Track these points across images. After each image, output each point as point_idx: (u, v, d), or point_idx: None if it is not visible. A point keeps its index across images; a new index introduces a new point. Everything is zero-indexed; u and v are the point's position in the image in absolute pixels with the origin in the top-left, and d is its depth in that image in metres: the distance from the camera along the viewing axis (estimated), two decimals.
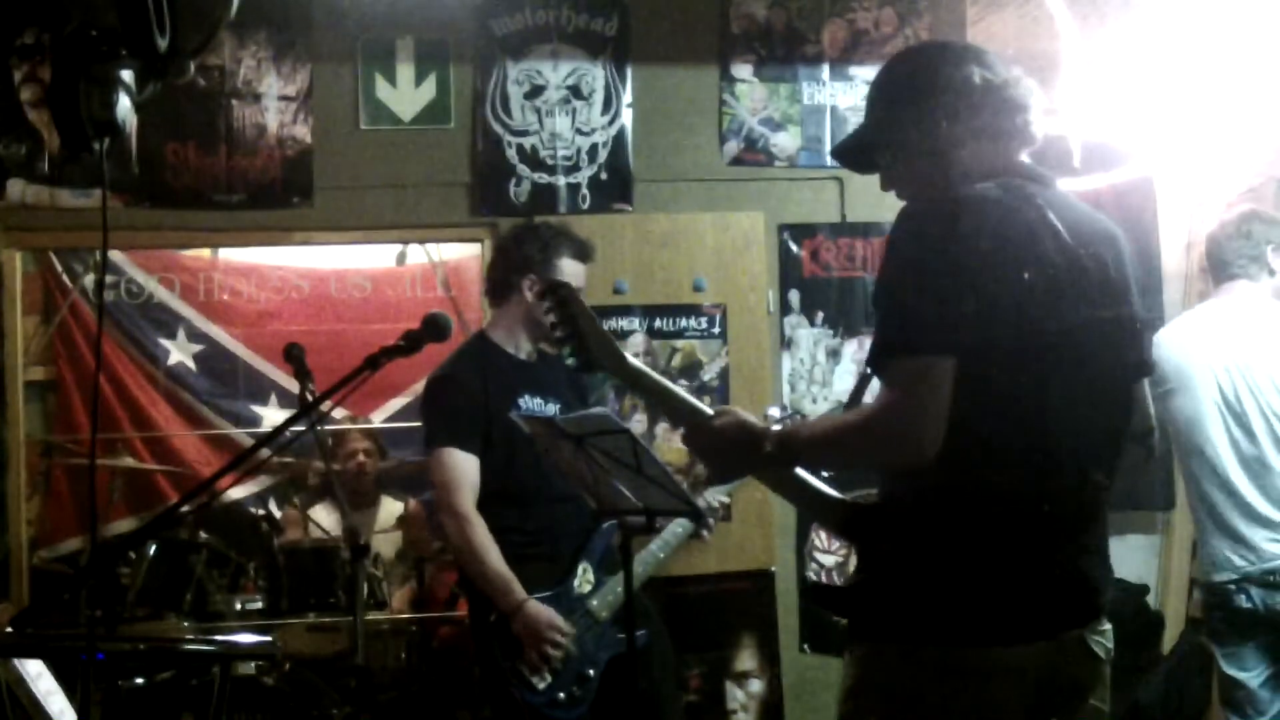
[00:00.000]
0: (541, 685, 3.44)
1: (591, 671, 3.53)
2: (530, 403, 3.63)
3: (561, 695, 3.46)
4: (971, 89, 2.17)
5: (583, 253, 3.75)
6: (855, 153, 2.36)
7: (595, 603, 3.58)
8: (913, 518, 2.07)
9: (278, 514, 5.24)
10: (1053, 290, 2.01)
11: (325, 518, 5.06)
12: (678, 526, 3.63)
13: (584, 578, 3.60)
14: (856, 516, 2.21)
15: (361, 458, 5.24)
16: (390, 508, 5.28)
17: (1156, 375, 3.96)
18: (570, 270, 3.68)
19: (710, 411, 2.27)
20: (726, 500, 3.80)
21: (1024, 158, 2.20)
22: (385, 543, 5.11)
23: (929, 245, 2.01)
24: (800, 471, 2.27)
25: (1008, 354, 1.97)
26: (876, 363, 2.03)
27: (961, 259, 1.97)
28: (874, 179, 2.36)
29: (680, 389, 2.34)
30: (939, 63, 2.23)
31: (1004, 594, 2.02)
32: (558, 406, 3.65)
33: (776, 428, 2.16)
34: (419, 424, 3.81)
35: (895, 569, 2.08)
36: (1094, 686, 2.13)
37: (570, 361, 2.42)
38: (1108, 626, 2.15)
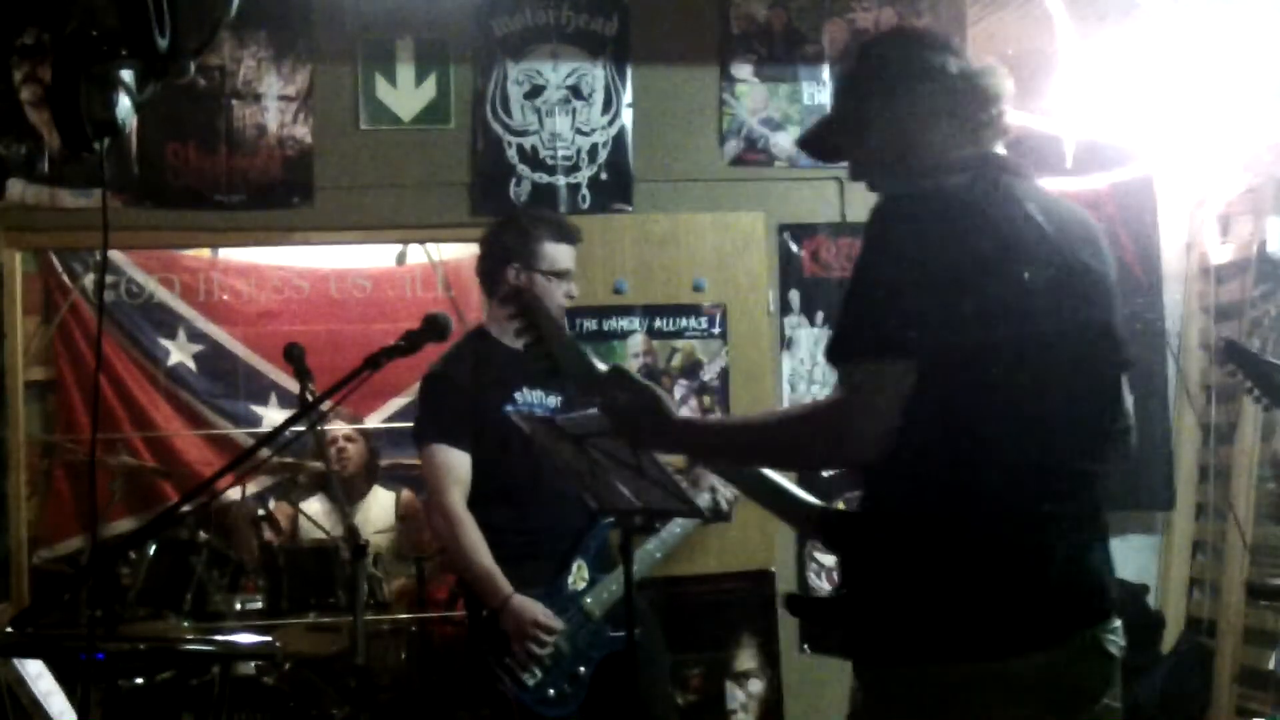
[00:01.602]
0: (531, 682, 3.43)
1: (582, 670, 3.51)
2: (529, 395, 3.61)
3: (551, 693, 3.45)
4: (946, 77, 2.12)
5: (565, 234, 3.71)
6: (823, 140, 2.30)
7: (589, 600, 3.57)
8: (902, 527, 1.99)
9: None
10: (1027, 286, 1.96)
11: (317, 510, 5.07)
12: (675, 526, 3.62)
13: (578, 575, 3.59)
14: (836, 524, 2.17)
15: (342, 442, 5.23)
16: (383, 499, 5.28)
17: None
18: (553, 253, 3.66)
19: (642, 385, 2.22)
20: (737, 493, 3.76)
21: (999, 148, 2.15)
22: (384, 542, 5.11)
23: (896, 243, 1.99)
24: (769, 472, 2.26)
25: (984, 353, 1.94)
26: (832, 358, 2.01)
27: (929, 258, 1.94)
28: None
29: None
30: (913, 49, 2.17)
31: (1009, 601, 1.95)
32: (559, 398, 3.63)
33: (686, 413, 2.12)
34: None
35: (888, 583, 2.00)
36: (1107, 687, 2.05)
37: (539, 366, 2.37)
38: (1118, 624, 2.08)
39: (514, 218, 3.83)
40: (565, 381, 2.33)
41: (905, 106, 2.13)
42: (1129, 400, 2.21)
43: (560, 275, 3.67)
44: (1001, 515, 1.97)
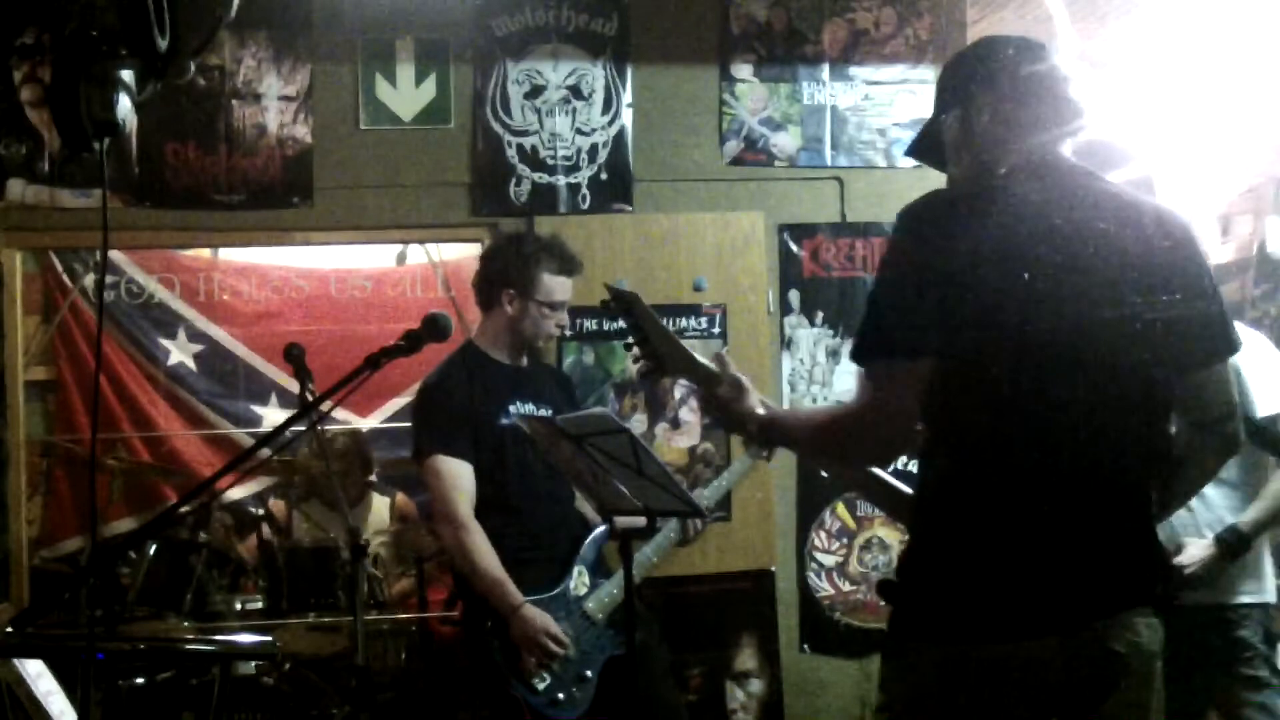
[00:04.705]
0: (541, 686, 3.46)
1: (589, 673, 3.55)
2: (521, 408, 3.64)
3: (561, 696, 3.49)
4: (993, 83, 2.19)
5: (567, 267, 3.70)
6: (919, 146, 2.40)
7: (591, 604, 3.60)
8: (926, 514, 2.15)
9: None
10: (1035, 289, 2.01)
11: (316, 510, 5.06)
12: (670, 530, 3.64)
13: (579, 580, 3.62)
14: (907, 509, 2.30)
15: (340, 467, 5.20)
16: (378, 505, 5.28)
17: None
18: (551, 285, 3.66)
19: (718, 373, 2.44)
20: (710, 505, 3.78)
21: (1062, 148, 2.18)
22: (383, 543, 5.11)
23: (908, 246, 2.09)
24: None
25: (991, 353, 2.01)
26: (854, 358, 2.14)
27: (939, 259, 2.02)
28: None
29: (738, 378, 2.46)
30: (973, 57, 2.29)
31: (1006, 590, 2.03)
32: (549, 412, 3.65)
33: (761, 411, 2.34)
34: None
35: (915, 566, 2.14)
36: (1117, 682, 2.05)
37: (640, 367, 2.51)
38: (1145, 620, 2.08)
39: (518, 239, 3.82)
40: (671, 377, 2.54)
41: (959, 113, 2.24)
42: (1230, 388, 2.22)
43: (555, 307, 3.68)
44: (1008, 508, 2.04)
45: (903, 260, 2.09)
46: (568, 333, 4.11)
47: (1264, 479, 3.46)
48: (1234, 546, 3.35)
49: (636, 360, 2.52)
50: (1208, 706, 3.51)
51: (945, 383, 2.02)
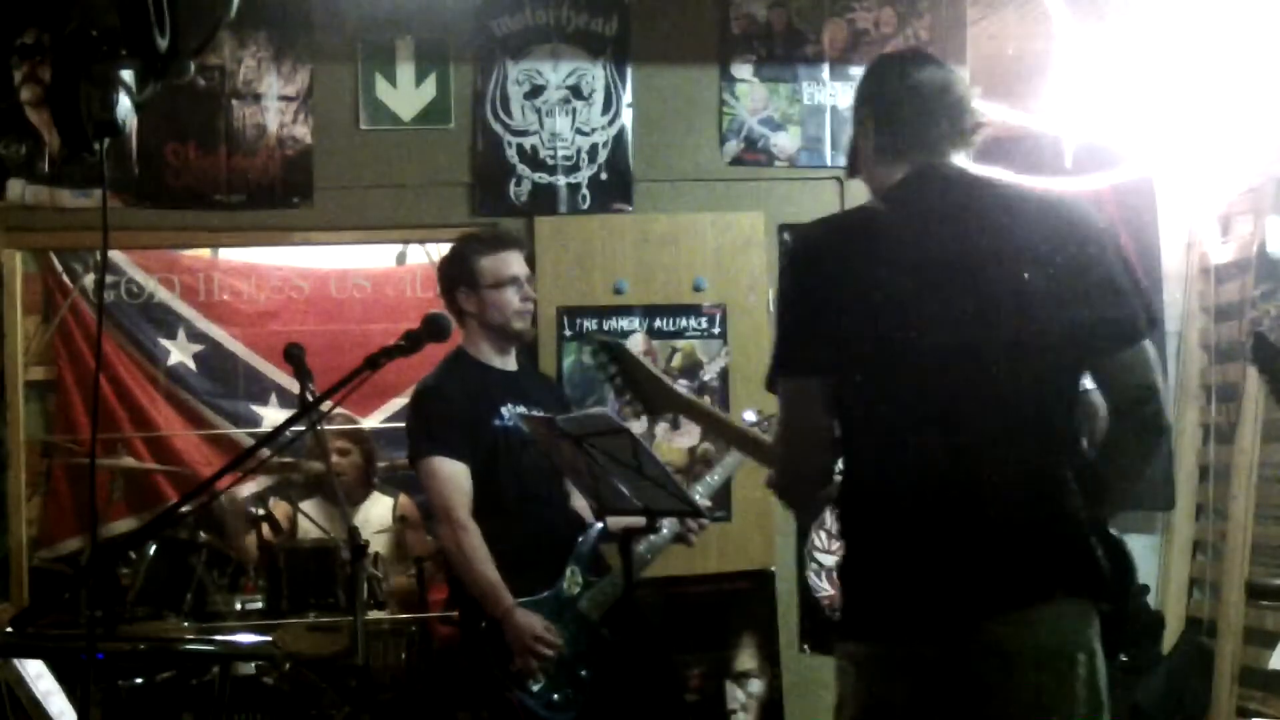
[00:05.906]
0: (536, 687, 3.47)
1: (584, 673, 3.56)
2: (514, 412, 3.66)
3: (556, 696, 3.50)
4: (873, 101, 2.29)
5: (498, 244, 3.80)
6: (850, 167, 2.46)
7: (585, 604, 3.62)
8: (842, 522, 2.26)
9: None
10: (918, 296, 2.09)
11: (315, 512, 5.06)
12: (665, 529, 3.65)
13: (572, 580, 3.64)
14: None
15: (337, 458, 5.21)
16: (381, 504, 5.28)
17: None
18: (491, 266, 3.73)
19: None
20: (708, 503, 3.79)
21: (953, 155, 2.23)
22: (384, 542, 5.11)
23: (792, 272, 2.25)
24: None
25: (882, 364, 2.09)
26: (768, 387, 2.22)
27: (820, 282, 2.16)
28: None
29: (730, 418, 2.58)
30: (862, 78, 2.38)
31: (898, 592, 2.11)
32: (541, 415, 3.67)
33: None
34: None
35: (841, 570, 2.28)
36: (1005, 681, 2.06)
37: (632, 410, 2.78)
38: (1052, 616, 2.09)
39: (453, 248, 3.90)
40: (660, 415, 2.79)
41: (856, 132, 2.33)
42: (1150, 370, 2.18)
43: (504, 284, 3.72)
44: (896, 513, 2.13)
45: (791, 285, 2.22)
46: (533, 305, 4.01)
47: None
48: None
49: (626, 404, 2.71)
50: None
51: (847, 397, 2.11)
